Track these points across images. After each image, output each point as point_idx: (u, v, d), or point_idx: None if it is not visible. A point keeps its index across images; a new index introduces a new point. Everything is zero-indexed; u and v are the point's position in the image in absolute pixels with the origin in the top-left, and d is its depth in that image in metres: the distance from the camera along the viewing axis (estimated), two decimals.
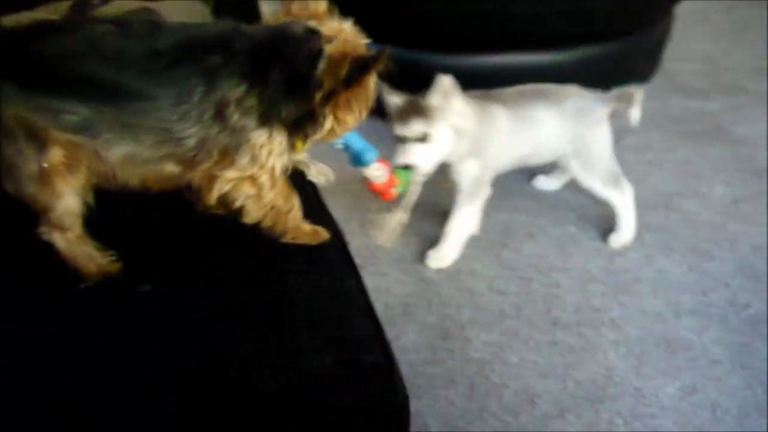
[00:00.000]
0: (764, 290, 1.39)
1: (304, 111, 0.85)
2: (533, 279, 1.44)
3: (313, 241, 0.95)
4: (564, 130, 1.44)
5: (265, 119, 0.83)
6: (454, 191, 1.45)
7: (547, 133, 1.44)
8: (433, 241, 1.52)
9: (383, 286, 1.43)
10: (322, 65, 0.81)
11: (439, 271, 1.47)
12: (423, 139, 1.29)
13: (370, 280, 1.43)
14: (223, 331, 0.82)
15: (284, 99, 0.83)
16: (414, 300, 1.39)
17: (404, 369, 1.22)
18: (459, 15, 1.72)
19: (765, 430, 1.12)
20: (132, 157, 0.83)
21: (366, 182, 1.19)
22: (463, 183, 1.42)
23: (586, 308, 1.36)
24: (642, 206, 1.65)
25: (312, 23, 0.84)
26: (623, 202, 1.52)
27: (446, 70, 1.80)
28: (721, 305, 1.36)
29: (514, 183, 1.75)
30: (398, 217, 1.35)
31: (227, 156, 0.84)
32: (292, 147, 0.89)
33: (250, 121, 0.82)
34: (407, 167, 1.29)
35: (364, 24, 0.90)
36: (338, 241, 0.99)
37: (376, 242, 1.44)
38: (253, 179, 0.86)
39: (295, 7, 0.87)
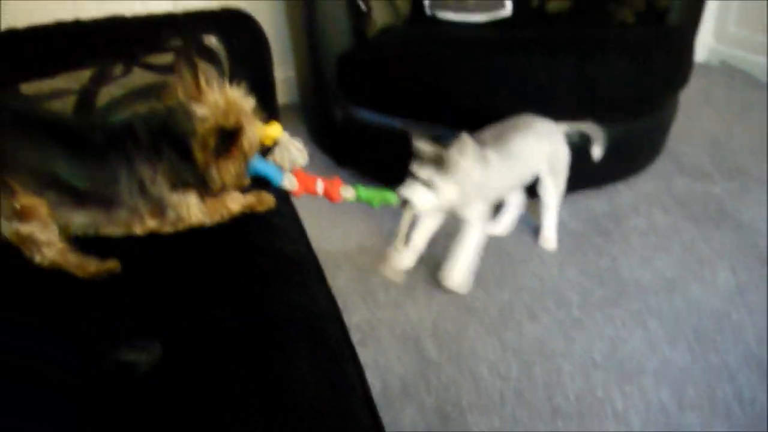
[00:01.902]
0: None
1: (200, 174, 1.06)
2: (535, 363, 1.41)
3: (261, 207, 1.15)
4: (542, 150, 1.63)
5: (174, 186, 1.05)
6: (462, 222, 1.58)
7: (532, 158, 1.61)
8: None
9: (382, 363, 1.41)
10: (195, 142, 1.02)
11: (440, 349, 1.44)
12: (429, 184, 1.41)
13: (369, 356, 1.43)
14: (221, 424, 0.79)
15: (182, 169, 1.04)
16: (413, 379, 1.37)
17: None
18: (472, 92, 1.77)
19: None
20: (85, 224, 1.04)
21: (292, 193, 1.26)
22: (469, 219, 1.55)
23: (589, 397, 1.34)
24: (646, 290, 1.64)
25: (193, 103, 1.02)
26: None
27: None
28: (726, 399, 1.34)
29: (519, 262, 1.75)
30: (397, 247, 1.47)
31: (157, 211, 1.07)
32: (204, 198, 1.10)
33: (164, 190, 1.05)
34: (406, 201, 1.41)
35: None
36: (336, 316, 0.98)
37: (385, 276, 1.55)
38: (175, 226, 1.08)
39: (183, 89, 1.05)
